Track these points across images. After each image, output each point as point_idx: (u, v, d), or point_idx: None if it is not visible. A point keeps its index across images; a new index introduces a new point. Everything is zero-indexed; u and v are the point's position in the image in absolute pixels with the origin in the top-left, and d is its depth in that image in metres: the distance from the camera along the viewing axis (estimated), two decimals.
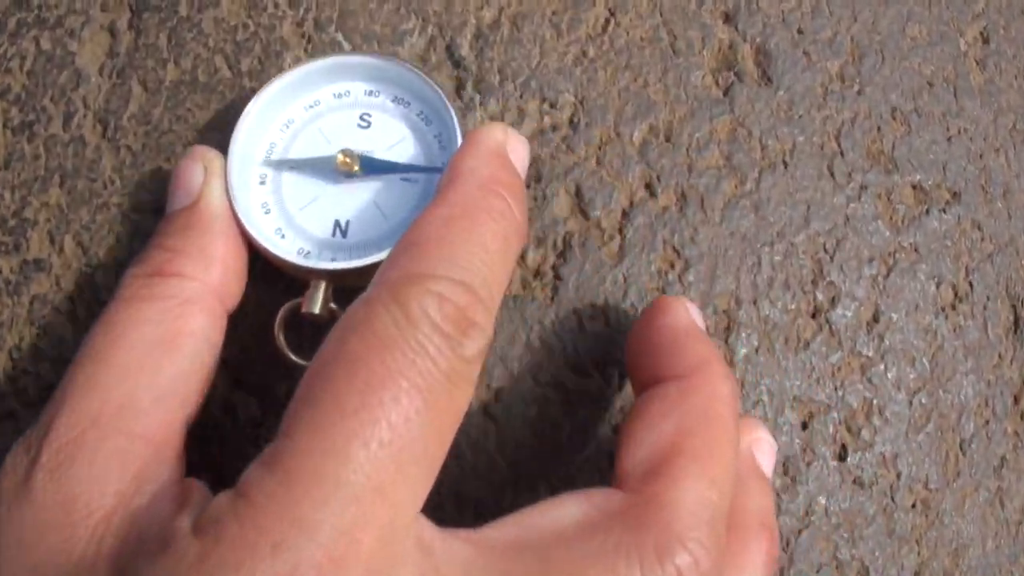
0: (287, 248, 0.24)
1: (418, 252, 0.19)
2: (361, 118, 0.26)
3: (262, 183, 0.25)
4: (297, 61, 0.27)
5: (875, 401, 0.27)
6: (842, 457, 0.26)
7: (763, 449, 0.23)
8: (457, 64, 0.27)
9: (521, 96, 0.27)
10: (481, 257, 0.20)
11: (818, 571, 0.26)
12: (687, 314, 0.23)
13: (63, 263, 0.26)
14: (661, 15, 0.29)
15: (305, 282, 0.24)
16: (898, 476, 0.27)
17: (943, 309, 0.28)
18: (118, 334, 0.21)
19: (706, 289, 0.27)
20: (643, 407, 0.21)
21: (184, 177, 0.24)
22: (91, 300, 0.26)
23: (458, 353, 0.18)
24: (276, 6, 0.28)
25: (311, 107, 0.26)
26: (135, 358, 0.21)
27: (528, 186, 0.27)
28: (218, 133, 0.27)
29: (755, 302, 0.27)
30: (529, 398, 0.25)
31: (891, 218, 0.28)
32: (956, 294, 0.28)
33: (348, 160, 0.24)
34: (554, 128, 0.27)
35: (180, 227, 0.23)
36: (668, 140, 0.27)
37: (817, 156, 0.28)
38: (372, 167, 0.25)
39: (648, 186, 0.27)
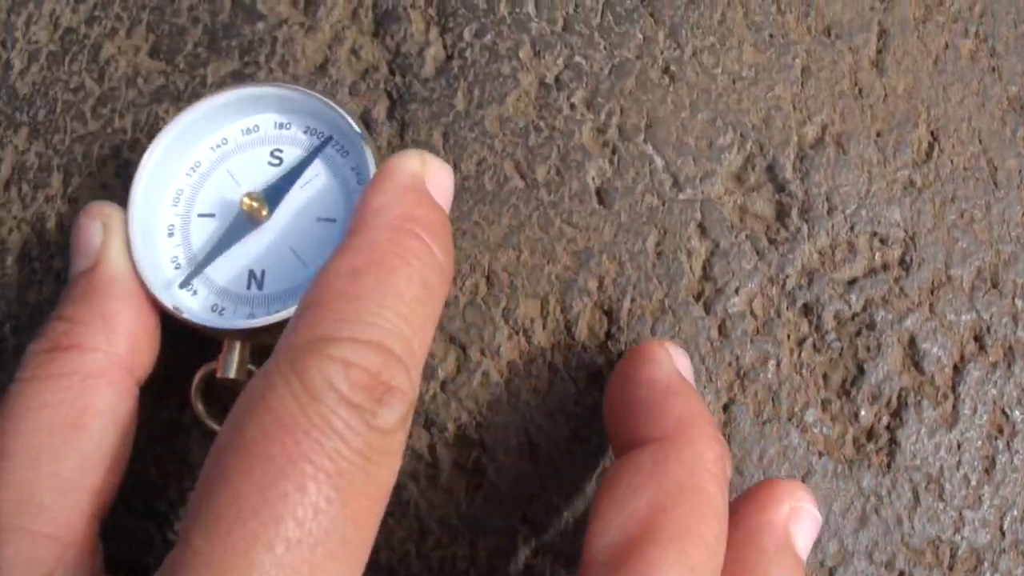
0: (200, 304, 0.22)
1: (320, 312, 0.17)
2: (272, 154, 0.23)
3: (170, 235, 0.23)
4: (201, 95, 0.24)
5: None
6: None
7: (802, 521, 0.19)
8: (781, 188, 0.24)
9: (852, 228, 0.24)
10: (395, 309, 0.17)
11: None
12: (670, 363, 0.20)
13: None
14: (980, 141, 0.26)
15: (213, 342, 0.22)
16: None
17: None
18: (15, 420, 0.19)
19: None
20: (614, 478, 0.18)
21: (82, 238, 0.22)
22: None
23: (373, 425, 0.16)
24: (572, 107, 0.24)
25: (218, 146, 0.23)
26: (34, 446, 0.19)
27: (849, 330, 0.24)
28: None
29: None
30: None
31: None
32: None
33: (254, 203, 0.22)
34: (885, 267, 0.24)
35: (79, 294, 0.21)
36: (995, 286, 0.25)
37: None
38: (276, 198, 0.22)
39: (977, 338, 0.24)
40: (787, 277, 0.23)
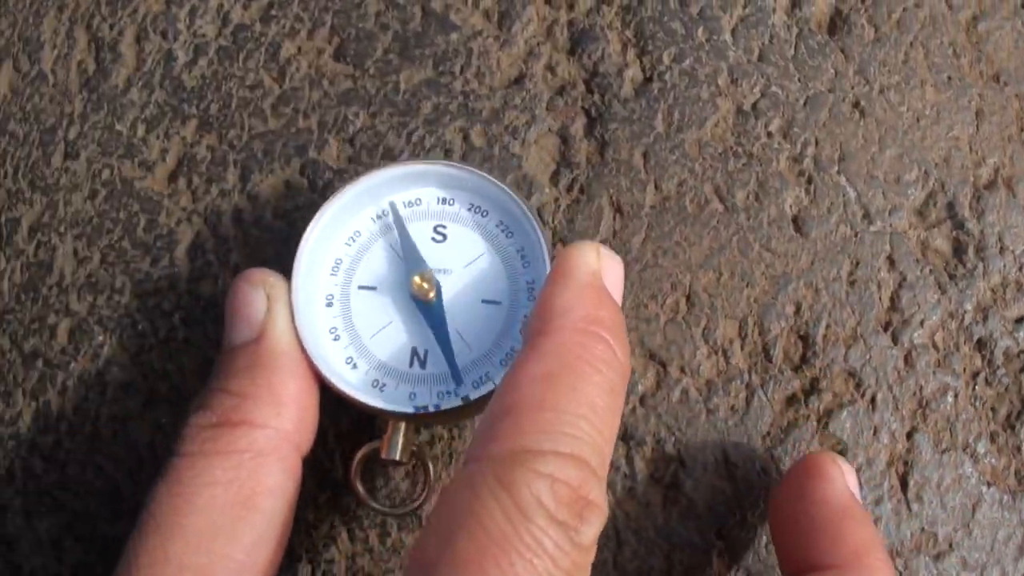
0: (360, 379, 0.21)
1: (519, 421, 0.17)
2: (435, 231, 0.23)
3: (328, 305, 0.22)
4: (363, 171, 0.23)
5: None
6: None
7: None
8: (959, 225, 0.25)
9: (1020, 268, 0.25)
10: (590, 420, 0.17)
11: None
12: (843, 481, 0.20)
13: None
14: None
15: (372, 418, 0.22)
16: None
17: None
18: (186, 499, 0.19)
19: None
20: None
21: (244, 306, 0.21)
22: None
23: (576, 543, 0.16)
24: (769, 135, 0.25)
25: (379, 217, 0.23)
26: (207, 526, 0.18)
27: (1015, 366, 0.25)
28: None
29: None
30: None
31: None
32: None
33: (424, 284, 0.21)
34: None
35: (244, 367, 0.20)
36: None
37: None
38: (443, 278, 0.22)
39: None
40: (965, 312, 0.24)
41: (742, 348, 0.23)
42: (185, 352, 0.25)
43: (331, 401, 0.21)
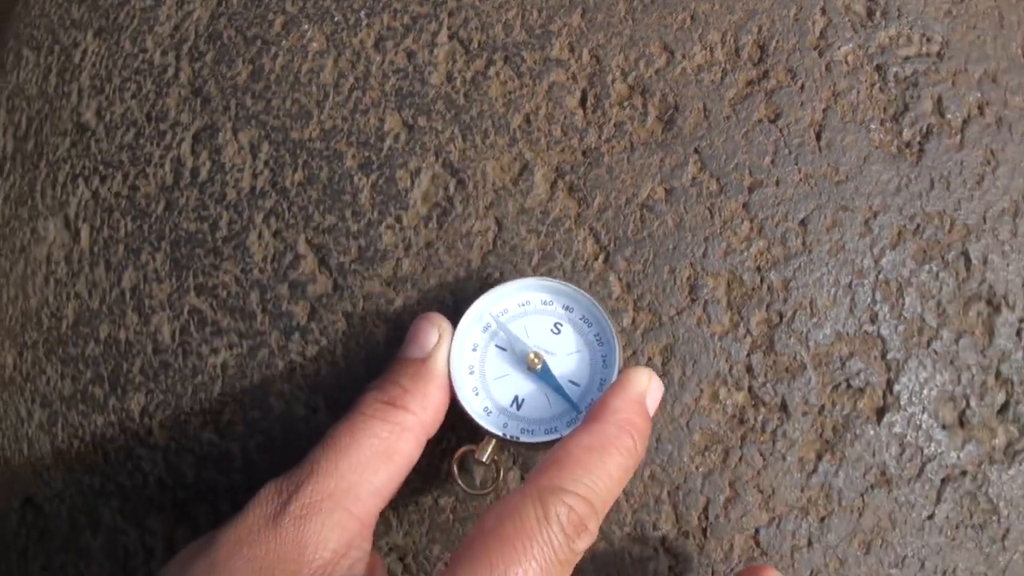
0: (477, 405, 0.32)
1: (562, 468, 0.28)
2: (555, 325, 0.33)
3: (473, 350, 0.33)
4: (518, 276, 0.35)
5: None
6: None
7: None
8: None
9: (911, 28, 0.39)
10: (606, 483, 0.28)
11: None
12: None
13: None
14: None
15: (474, 429, 0.32)
16: None
17: None
18: (355, 437, 0.30)
19: None
20: None
21: (421, 334, 0.32)
22: None
23: (571, 547, 0.27)
24: None
25: (523, 305, 0.34)
26: (364, 459, 0.29)
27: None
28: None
29: None
30: None
31: None
32: None
33: (536, 359, 0.32)
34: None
35: (412, 373, 0.32)
36: (993, 81, 0.40)
37: None
38: (549, 358, 0.33)
39: (980, 107, 0.39)
40: (870, 46, 0.38)
41: (722, 48, 0.38)
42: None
43: (453, 412, 0.33)
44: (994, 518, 0.37)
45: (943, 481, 0.36)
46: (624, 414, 0.29)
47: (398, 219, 0.37)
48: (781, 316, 0.36)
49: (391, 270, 0.37)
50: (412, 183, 0.38)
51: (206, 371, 0.39)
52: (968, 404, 0.36)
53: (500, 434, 0.32)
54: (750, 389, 0.35)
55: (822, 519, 0.35)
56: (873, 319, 0.36)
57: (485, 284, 0.35)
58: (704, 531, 0.35)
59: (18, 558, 0.47)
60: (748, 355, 0.36)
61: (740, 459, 0.35)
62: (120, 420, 0.41)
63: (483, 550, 0.26)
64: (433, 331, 0.32)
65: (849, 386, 0.36)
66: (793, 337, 0.36)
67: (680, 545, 0.36)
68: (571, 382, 0.32)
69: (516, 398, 0.32)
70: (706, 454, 0.35)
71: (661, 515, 0.35)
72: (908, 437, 0.36)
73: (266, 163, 0.39)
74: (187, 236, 0.40)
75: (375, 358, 0.36)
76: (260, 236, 0.39)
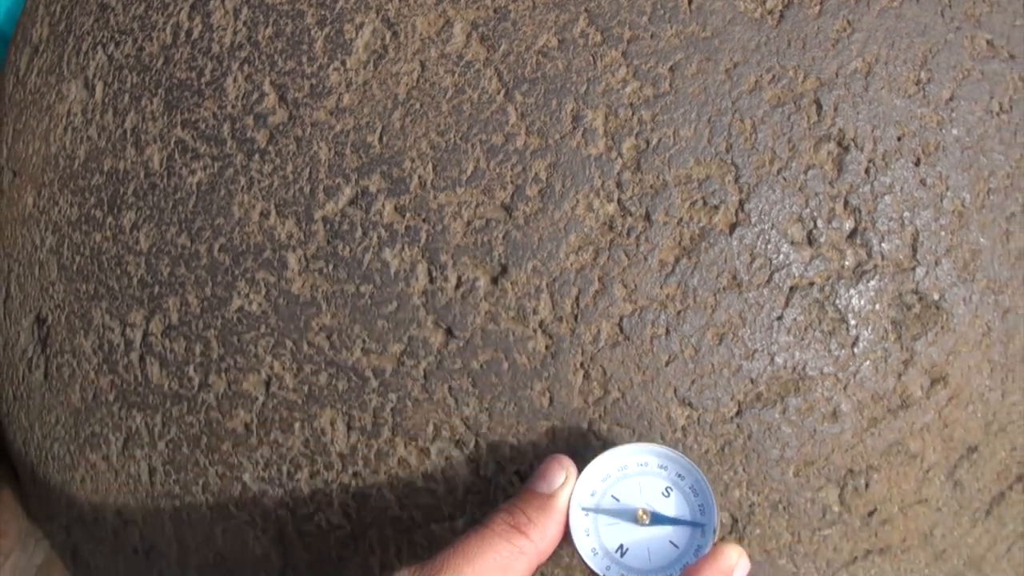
0: (587, 544, 0.36)
1: None
2: (666, 489, 0.37)
3: (592, 495, 0.38)
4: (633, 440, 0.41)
5: None
6: None
7: None
8: None
9: None
10: None
11: None
12: None
13: None
14: None
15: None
16: None
17: None
18: (482, 548, 0.35)
19: None
20: None
21: (551, 473, 0.37)
22: None
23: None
24: None
25: (641, 465, 0.38)
26: (485, 569, 0.34)
27: None
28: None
29: None
30: None
31: None
32: None
33: (644, 516, 0.37)
34: None
35: (538, 506, 0.36)
36: None
37: None
38: (656, 519, 0.37)
39: None
40: None
41: None
42: None
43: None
44: (843, 327, 0.42)
45: (791, 289, 0.42)
46: None
47: (343, 63, 0.46)
48: (648, 143, 0.43)
49: (334, 103, 0.45)
50: (356, 35, 0.46)
51: (184, 188, 0.47)
52: (816, 225, 0.42)
53: (599, 572, 0.36)
54: (619, 201, 0.42)
55: (679, 312, 0.42)
56: (728, 149, 0.43)
57: (608, 443, 0.41)
58: (575, 317, 0.42)
59: (24, 372, 0.55)
60: (619, 173, 0.42)
61: (608, 258, 0.42)
62: (114, 234, 0.49)
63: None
64: (561, 472, 0.37)
65: (705, 203, 0.42)
66: (658, 160, 0.42)
67: (555, 328, 0.42)
68: (671, 543, 0.37)
69: (622, 546, 0.37)
70: (579, 253, 0.42)
71: (540, 302, 0.42)
72: (758, 248, 0.42)
73: (245, 23, 0.48)
74: (179, 83, 0.49)
75: (316, 170, 0.44)
76: (235, 80, 0.47)
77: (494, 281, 0.43)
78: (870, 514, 0.44)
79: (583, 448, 0.41)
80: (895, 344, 0.43)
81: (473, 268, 0.43)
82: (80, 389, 0.51)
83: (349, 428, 0.44)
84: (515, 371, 0.42)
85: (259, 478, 0.46)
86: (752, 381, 0.42)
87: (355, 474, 0.44)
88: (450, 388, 0.43)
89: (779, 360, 0.42)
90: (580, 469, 0.38)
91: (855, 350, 0.42)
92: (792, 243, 0.42)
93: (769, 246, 0.42)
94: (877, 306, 0.43)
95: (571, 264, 0.42)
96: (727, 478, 0.42)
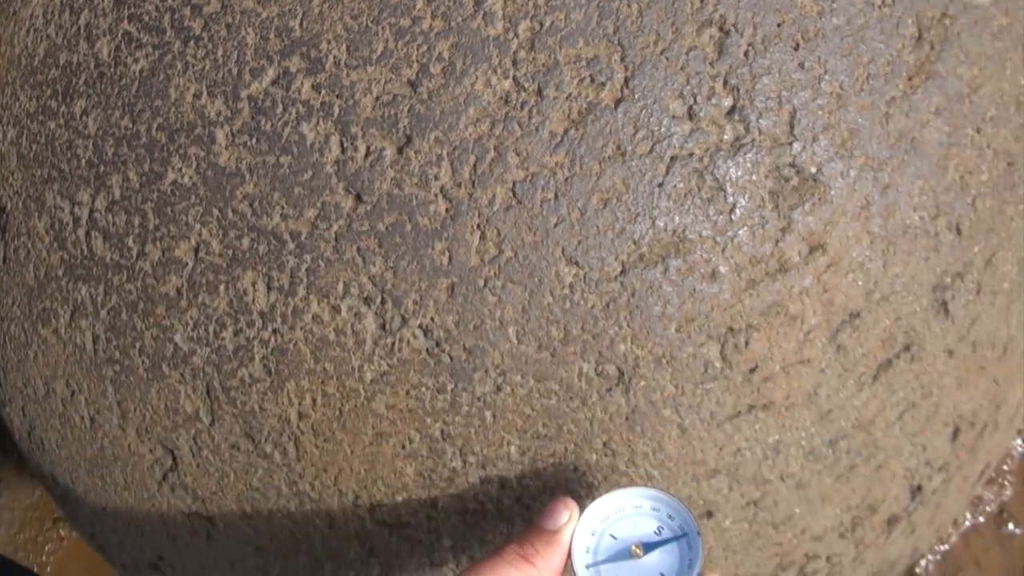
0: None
1: None
2: (657, 528, 0.42)
3: (592, 535, 0.42)
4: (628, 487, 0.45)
5: None
6: None
7: None
8: None
9: None
10: None
11: None
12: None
13: None
14: None
15: None
16: None
17: None
18: (495, 574, 0.40)
19: None
20: None
21: (556, 512, 0.42)
22: None
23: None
24: None
25: (636, 507, 0.43)
26: None
27: None
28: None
29: None
30: None
31: None
32: None
33: (639, 551, 0.41)
34: None
35: (544, 540, 0.41)
36: None
37: None
38: (648, 551, 0.42)
39: None
40: None
41: None
42: None
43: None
44: (721, 195, 0.46)
45: (672, 159, 0.46)
46: None
47: None
48: (542, 24, 0.46)
49: None
50: None
51: (128, 75, 0.52)
52: (696, 101, 0.46)
53: None
54: (514, 78, 0.46)
55: (567, 179, 0.45)
56: (616, 31, 0.46)
57: (611, 488, 0.46)
58: (473, 183, 0.46)
59: None
60: (514, 53, 0.46)
61: (503, 129, 0.46)
62: (66, 121, 0.54)
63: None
64: (565, 512, 0.42)
65: (593, 80, 0.46)
66: (550, 40, 0.46)
67: (454, 193, 0.46)
68: (661, 574, 0.42)
69: None
70: (477, 124, 0.46)
71: (441, 169, 0.46)
72: (641, 121, 0.46)
73: None
74: None
75: (243, 53, 0.48)
76: None
77: (399, 151, 0.46)
78: (751, 371, 0.47)
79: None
80: (772, 212, 0.46)
81: (381, 139, 0.47)
82: (33, 268, 0.56)
83: (269, 288, 0.48)
84: (417, 232, 0.46)
85: (189, 338, 0.50)
86: (635, 243, 0.45)
87: (274, 331, 0.48)
88: (359, 248, 0.47)
89: (660, 223, 0.46)
90: (582, 509, 0.43)
91: (732, 216, 0.46)
92: (673, 117, 0.46)
93: (652, 119, 0.46)
94: (754, 176, 0.46)
95: (469, 135, 0.46)
96: (612, 333, 0.46)
